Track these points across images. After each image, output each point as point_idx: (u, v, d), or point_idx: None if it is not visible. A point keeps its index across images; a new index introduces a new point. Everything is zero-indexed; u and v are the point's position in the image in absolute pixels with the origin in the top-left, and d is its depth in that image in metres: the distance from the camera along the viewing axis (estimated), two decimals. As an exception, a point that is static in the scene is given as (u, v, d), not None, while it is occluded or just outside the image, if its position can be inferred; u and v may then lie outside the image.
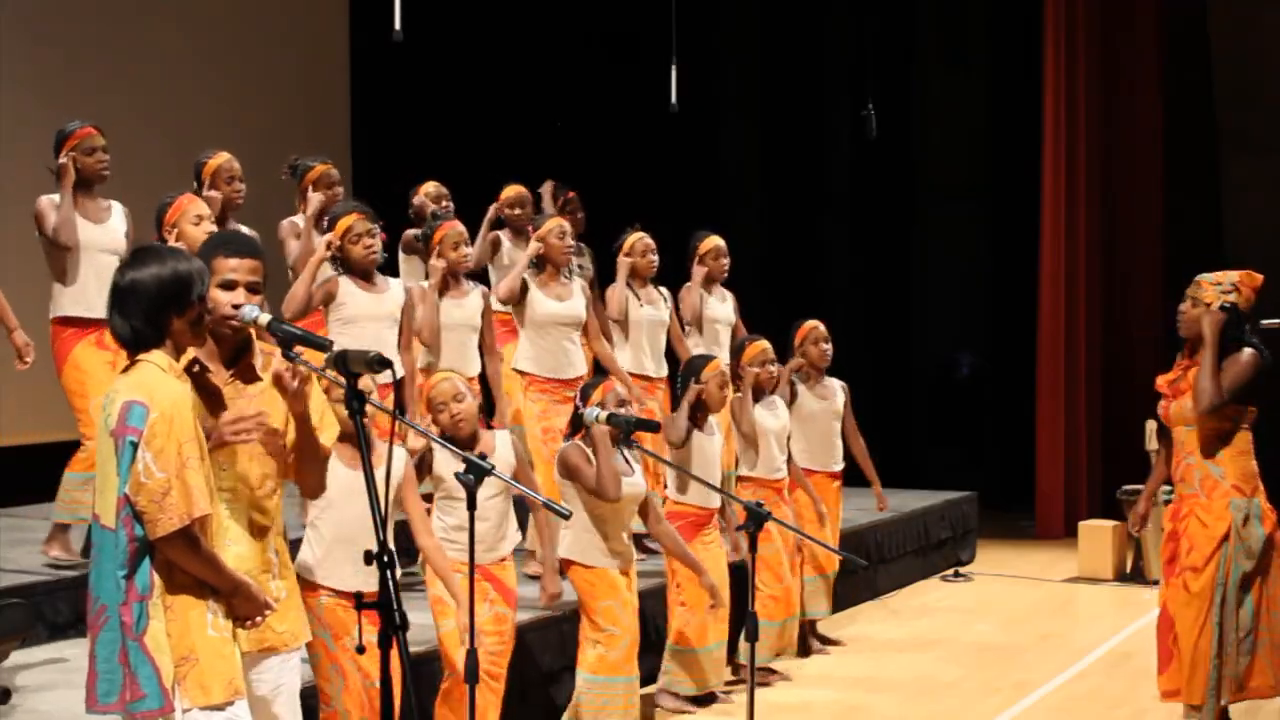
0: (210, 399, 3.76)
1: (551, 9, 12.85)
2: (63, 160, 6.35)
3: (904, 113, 13.76)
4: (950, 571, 10.59)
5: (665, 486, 7.01)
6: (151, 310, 3.55)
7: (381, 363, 3.48)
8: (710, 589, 6.53)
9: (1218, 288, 5.82)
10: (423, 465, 5.53)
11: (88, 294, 6.26)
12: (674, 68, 10.07)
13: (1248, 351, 5.76)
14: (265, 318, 3.76)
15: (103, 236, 6.44)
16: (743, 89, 14.43)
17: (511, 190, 8.25)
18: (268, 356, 3.90)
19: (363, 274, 6.21)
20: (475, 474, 4.40)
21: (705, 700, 6.96)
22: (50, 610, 6.04)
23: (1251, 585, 5.75)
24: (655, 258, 7.85)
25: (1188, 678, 5.80)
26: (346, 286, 6.19)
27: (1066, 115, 12.39)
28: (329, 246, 6.26)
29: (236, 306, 3.77)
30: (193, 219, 5.96)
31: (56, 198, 6.36)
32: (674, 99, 10.10)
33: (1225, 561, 5.74)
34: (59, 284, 6.41)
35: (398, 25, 8.08)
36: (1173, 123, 12.92)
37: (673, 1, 10.27)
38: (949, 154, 14.13)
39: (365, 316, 6.19)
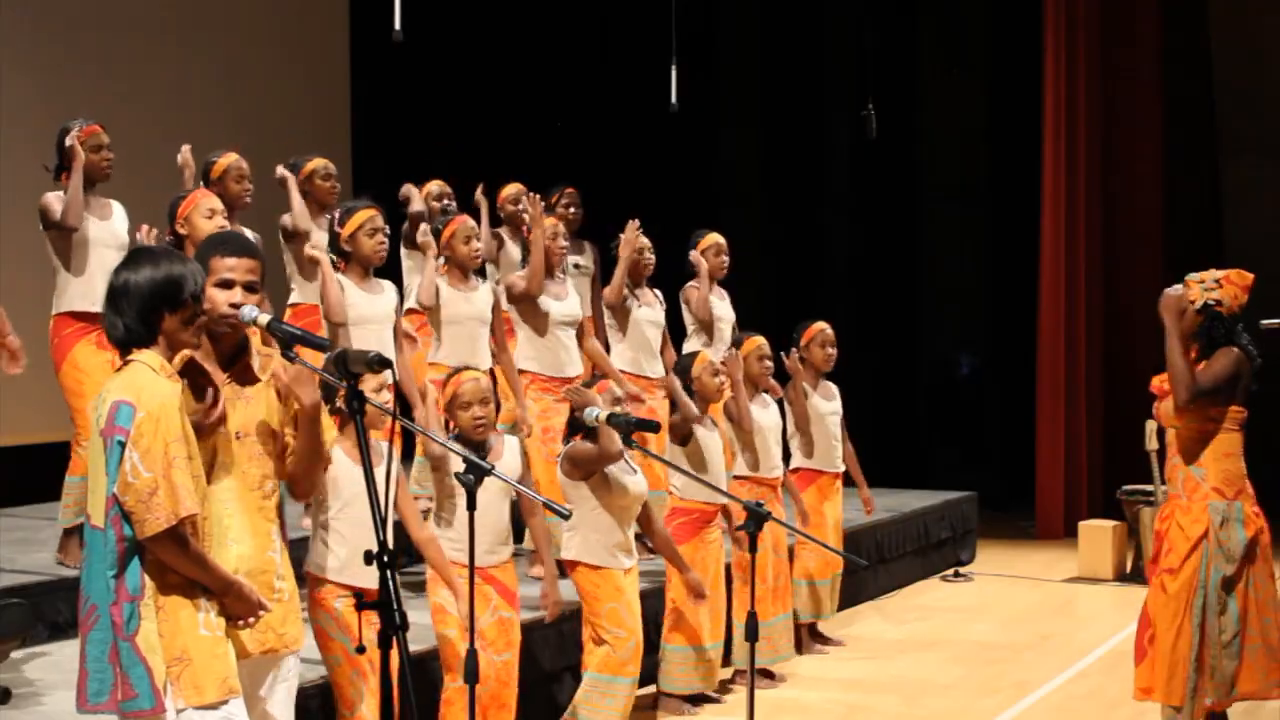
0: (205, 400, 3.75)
1: (551, 9, 12.85)
2: (70, 141, 6.33)
3: (904, 113, 13.76)
4: (950, 571, 10.59)
5: (671, 484, 7.02)
6: (144, 310, 3.56)
7: (381, 362, 3.48)
8: (689, 583, 6.51)
9: (1202, 285, 5.72)
10: (442, 463, 5.44)
11: (94, 289, 6.23)
12: (674, 68, 10.07)
13: (1232, 351, 5.60)
14: (265, 318, 3.76)
15: (106, 233, 6.48)
16: (743, 89, 14.43)
17: (511, 187, 8.29)
18: (265, 358, 3.90)
19: (365, 270, 6.18)
20: (475, 474, 4.39)
21: (703, 700, 6.97)
22: (50, 610, 6.04)
23: (1234, 589, 5.61)
24: (651, 257, 7.85)
25: (1166, 679, 5.69)
26: (349, 288, 6.12)
27: (1066, 115, 12.38)
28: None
29: (233, 305, 3.77)
30: (205, 212, 5.94)
31: (62, 194, 6.36)
32: (674, 99, 10.09)
33: (1205, 565, 5.63)
34: (64, 278, 6.41)
35: (398, 25, 8.08)
36: (1173, 123, 12.92)
37: (673, 1, 10.27)
38: (949, 154, 14.13)
39: (367, 319, 6.15)
